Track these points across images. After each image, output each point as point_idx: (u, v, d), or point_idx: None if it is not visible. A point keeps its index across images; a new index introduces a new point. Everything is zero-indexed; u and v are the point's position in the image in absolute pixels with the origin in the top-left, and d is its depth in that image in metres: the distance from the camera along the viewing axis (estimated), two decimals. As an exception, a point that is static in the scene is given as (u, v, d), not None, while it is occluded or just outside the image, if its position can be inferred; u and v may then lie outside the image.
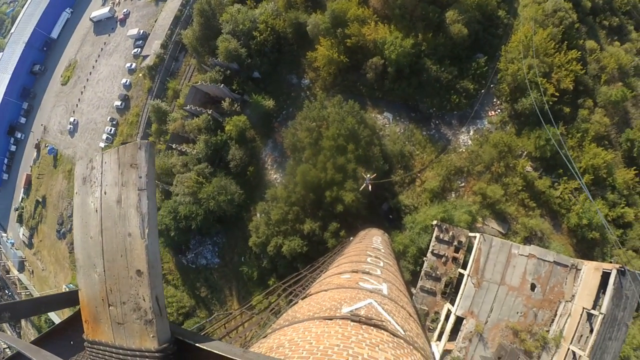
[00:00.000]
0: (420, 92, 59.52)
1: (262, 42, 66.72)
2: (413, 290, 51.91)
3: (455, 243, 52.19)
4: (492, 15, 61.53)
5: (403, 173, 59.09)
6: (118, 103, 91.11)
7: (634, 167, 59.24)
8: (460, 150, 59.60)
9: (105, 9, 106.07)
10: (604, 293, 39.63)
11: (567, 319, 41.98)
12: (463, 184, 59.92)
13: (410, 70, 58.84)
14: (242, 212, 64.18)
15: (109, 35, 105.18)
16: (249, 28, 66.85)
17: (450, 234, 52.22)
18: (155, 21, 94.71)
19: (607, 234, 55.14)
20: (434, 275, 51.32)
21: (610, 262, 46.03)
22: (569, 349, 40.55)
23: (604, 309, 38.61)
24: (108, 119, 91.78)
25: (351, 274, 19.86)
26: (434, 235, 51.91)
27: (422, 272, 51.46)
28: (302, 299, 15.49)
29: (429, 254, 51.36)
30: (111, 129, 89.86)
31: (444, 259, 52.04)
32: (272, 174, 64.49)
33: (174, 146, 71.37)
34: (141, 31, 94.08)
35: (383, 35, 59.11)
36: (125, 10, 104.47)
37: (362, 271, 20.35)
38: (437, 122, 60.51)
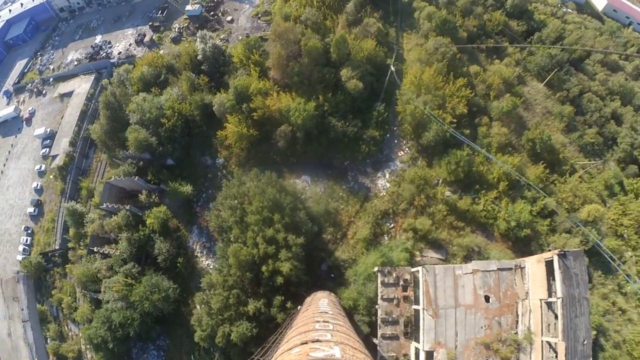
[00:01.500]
0: (331, 150, 61.61)
1: (171, 128, 66.28)
2: (375, 341, 50.56)
3: (402, 282, 52.16)
4: (382, 65, 66.33)
5: (333, 230, 59.31)
6: (31, 210, 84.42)
7: (541, 161, 64.67)
8: (382, 194, 61.43)
9: (10, 108, 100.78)
10: (554, 279, 40.86)
11: (530, 315, 42.91)
12: (392, 225, 61.11)
13: (318, 131, 61.02)
14: (180, 307, 60.15)
15: (16, 136, 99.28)
16: (156, 116, 66.44)
17: (394, 275, 52.34)
18: (62, 118, 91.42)
19: (537, 227, 59.46)
20: (390, 319, 50.43)
21: (549, 250, 48.09)
22: (542, 341, 40.87)
23: (559, 293, 39.61)
24: (22, 228, 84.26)
25: (301, 347, 19.54)
26: (379, 281, 51.64)
27: (379, 320, 50.38)
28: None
29: (379, 301, 50.77)
30: (27, 239, 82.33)
31: (395, 301, 51.61)
32: (204, 261, 61.95)
33: (95, 249, 66.83)
34: (48, 130, 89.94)
35: (287, 103, 61.41)
36: (30, 108, 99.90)
37: (311, 340, 20.18)
38: (353, 173, 62.40)
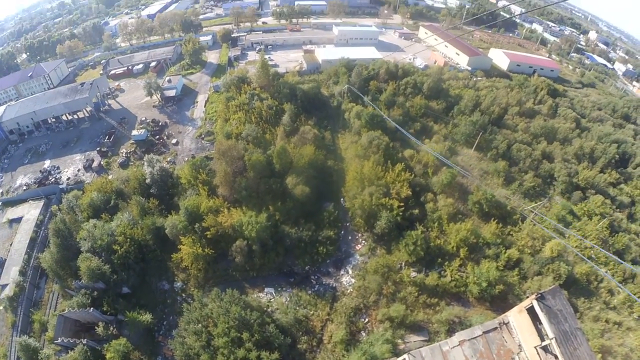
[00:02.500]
0: (290, 257, 62.41)
1: (124, 254, 64.73)
2: None
3: None
4: (324, 167, 70.69)
5: (307, 338, 57.89)
6: (-20, 344, 76.23)
7: (492, 218, 68.14)
8: (349, 291, 61.40)
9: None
10: (541, 324, 40.61)
11: None
12: (367, 319, 60.20)
13: (273, 241, 62.09)
14: None
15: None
16: (108, 242, 64.98)
17: None
18: (11, 245, 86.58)
19: (508, 279, 60.36)
20: None
21: (527, 298, 48.94)
22: None
23: (550, 334, 38.49)
24: (-30, 366, 75.48)
25: None
26: None
27: None
28: None
29: None
30: (-25, 378, 73.48)
31: None
32: (174, 396, 57.52)
33: None
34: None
35: (238, 218, 62.72)
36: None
37: None
38: (316, 276, 62.61)
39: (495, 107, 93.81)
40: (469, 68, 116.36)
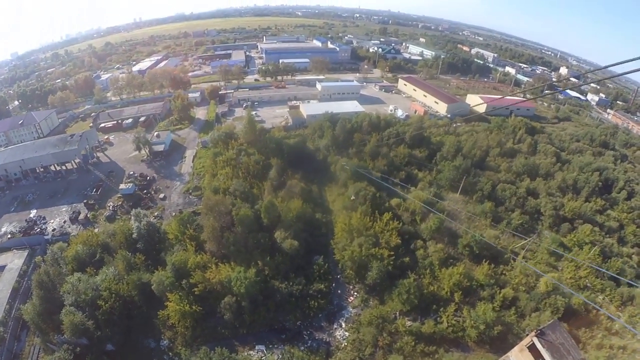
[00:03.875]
0: (280, 312, 60.66)
1: (109, 310, 62.09)
2: None
3: None
4: (312, 220, 71.09)
5: (302, 402, 54.74)
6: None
7: (484, 260, 67.86)
8: (343, 345, 59.24)
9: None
10: (544, 359, 39.36)
11: None
12: (364, 375, 58.01)
13: (263, 296, 60.65)
14: None
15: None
16: (92, 297, 62.45)
17: None
18: None
19: (506, 319, 58.91)
20: None
21: (527, 335, 46.96)
22: None
23: None
24: None
25: None
26: None
27: None
28: None
29: None
30: None
31: None
32: None
33: None
34: (-23, 307, 79.50)
35: (227, 274, 61.56)
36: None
37: None
38: (308, 332, 60.58)
39: (477, 150, 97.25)
40: (449, 115, 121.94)
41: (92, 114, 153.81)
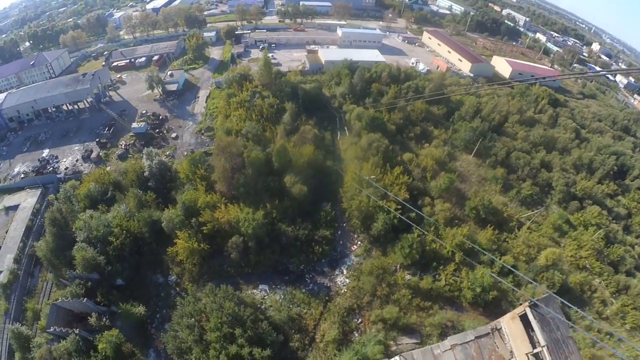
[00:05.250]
0: (285, 255, 62.38)
1: (120, 246, 64.52)
2: None
3: None
4: (322, 167, 70.77)
5: (300, 336, 57.87)
6: (-27, 331, 75.92)
7: (489, 225, 68.30)
8: (343, 291, 61.46)
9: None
10: (533, 331, 39.91)
11: None
12: (360, 320, 60.20)
13: (269, 238, 62.03)
14: None
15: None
16: (103, 234, 64.78)
17: None
18: (7, 232, 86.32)
19: (502, 286, 60.27)
20: None
21: (520, 305, 48.76)
22: None
23: (542, 342, 38.19)
24: (-38, 352, 74.98)
25: None
26: None
27: None
28: None
29: None
30: (-34, 367, 73.02)
31: None
32: (165, 388, 57.45)
33: None
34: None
35: (235, 215, 62.65)
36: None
37: None
38: (311, 275, 62.63)
39: (496, 115, 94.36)
40: (471, 75, 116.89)
41: (105, 53, 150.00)
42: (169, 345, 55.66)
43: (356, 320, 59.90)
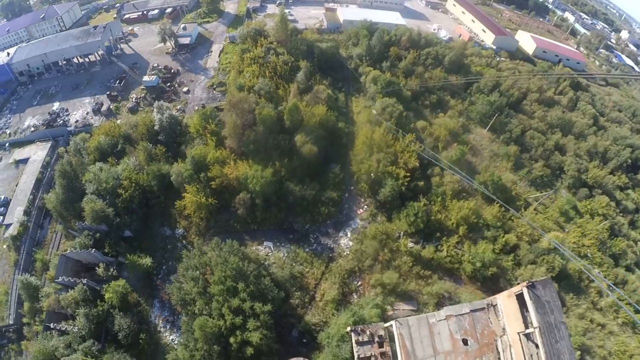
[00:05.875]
0: (291, 214, 62.72)
1: (129, 198, 65.34)
2: (357, 401, 49.58)
3: (377, 339, 50.85)
4: (334, 129, 69.62)
5: (300, 294, 59.25)
6: (-17, 281, 79.34)
7: (495, 201, 66.75)
8: (345, 253, 62.27)
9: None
10: (527, 311, 41.08)
11: (510, 350, 42.25)
12: (360, 283, 61.32)
13: (276, 196, 62.21)
14: (146, 387, 57.38)
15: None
16: (112, 186, 65.48)
17: (368, 332, 51.23)
18: (17, 185, 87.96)
19: (502, 263, 61.51)
20: None
21: (518, 284, 48.76)
22: None
23: (535, 323, 39.36)
24: (-27, 302, 78.69)
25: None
26: (353, 340, 50.20)
27: None
28: None
29: None
30: (-22, 313, 76.81)
31: (373, 359, 51.16)
32: (168, 336, 59.40)
33: (52, 326, 62.20)
34: (2, 197, 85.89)
35: (244, 171, 62.62)
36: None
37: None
38: (315, 236, 63.23)
39: (515, 91, 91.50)
40: (494, 47, 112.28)
41: (116, 5, 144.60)
42: (174, 296, 57.26)
43: (356, 282, 61.00)
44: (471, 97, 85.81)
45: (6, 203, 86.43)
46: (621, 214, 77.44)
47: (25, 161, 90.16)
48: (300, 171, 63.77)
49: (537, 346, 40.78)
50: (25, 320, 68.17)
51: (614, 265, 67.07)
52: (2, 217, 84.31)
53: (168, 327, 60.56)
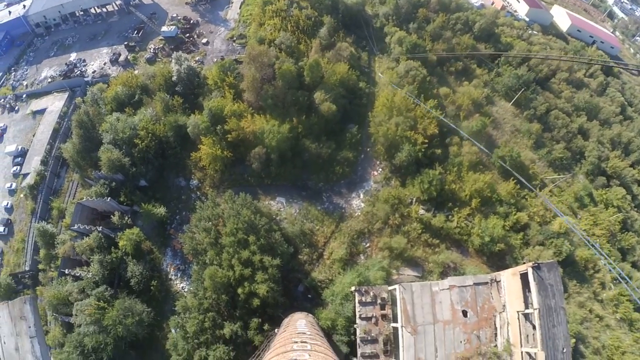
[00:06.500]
0: (306, 171, 62.44)
1: (145, 148, 65.68)
2: (356, 360, 51.02)
3: (379, 301, 51.86)
4: (354, 88, 67.88)
5: (309, 251, 59.72)
6: (0, 229, 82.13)
7: (512, 178, 66.61)
8: (356, 214, 62.27)
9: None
10: (529, 291, 41.41)
11: (508, 328, 43.28)
12: (368, 244, 61.73)
13: (292, 153, 61.79)
14: (154, 331, 58.51)
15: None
16: (129, 136, 65.82)
17: (372, 294, 52.13)
18: (34, 135, 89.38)
19: (511, 241, 61.11)
20: (369, 338, 49.75)
21: (524, 263, 49.57)
22: (522, 352, 41.18)
23: (535, 304, 40.03)
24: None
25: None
26: (357, 300, 51.34)
27: (358, 340, 49.82)
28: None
29: (358, 320, 50.55)
30: (-4, 260, 80.00)
31: (374, 320, 50.96)
32: (178, 284, 61.19)
33: (66, 272, 64.72)
34: (20, 147, 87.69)
35: (261, 126, 61.99)
36: (2, 125, 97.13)
37: (289, 360, 19.65)
38: (328, 194, 63.16)
39: (545, 67, 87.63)
40: (527, 19, 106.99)
41: None
42: (186, 245, 58.42)
43: (364, 244, 61.44)
44: (498, 68, 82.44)
45: (24, 153, 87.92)
46: (636, 209, 75.23)
47: (42, 112, 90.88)
48: (317, 129, 62.87)
49: (534, 327, 41.15)
50: (41, 266, 70.86)
51: (621, 259, 66.05)
52: (19, 166, 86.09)
53: (179, 275, 62.28)
